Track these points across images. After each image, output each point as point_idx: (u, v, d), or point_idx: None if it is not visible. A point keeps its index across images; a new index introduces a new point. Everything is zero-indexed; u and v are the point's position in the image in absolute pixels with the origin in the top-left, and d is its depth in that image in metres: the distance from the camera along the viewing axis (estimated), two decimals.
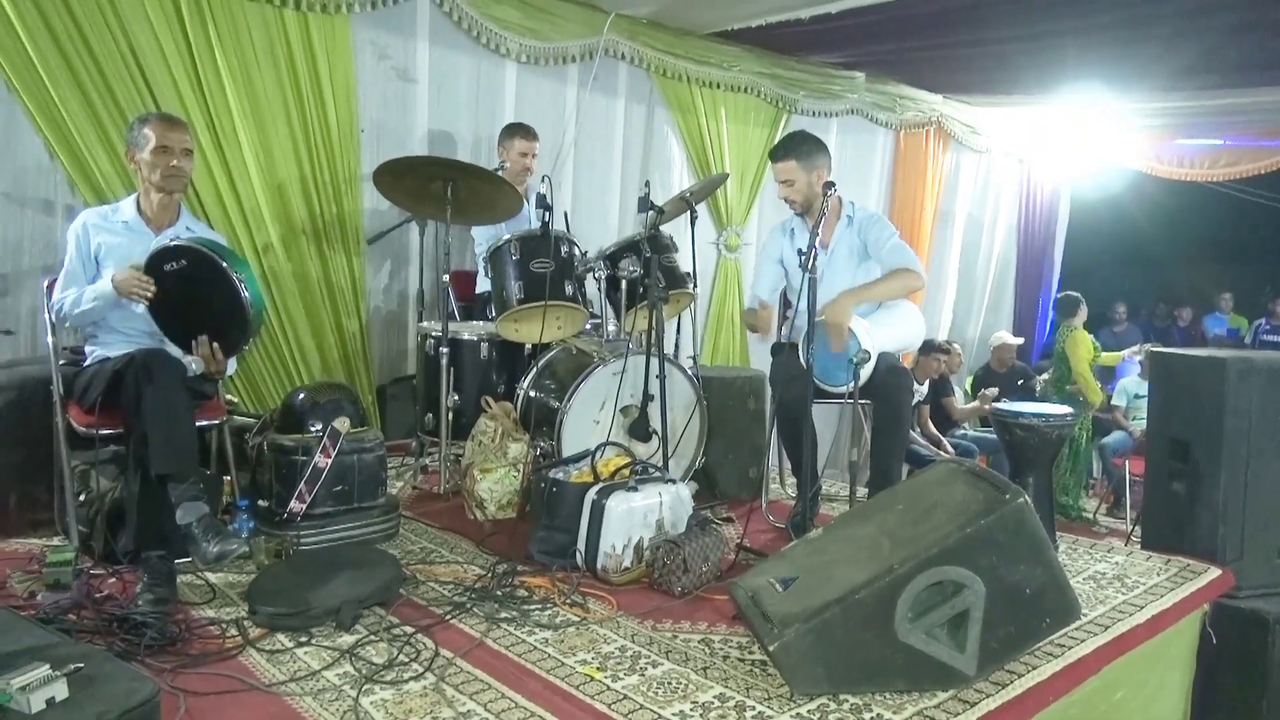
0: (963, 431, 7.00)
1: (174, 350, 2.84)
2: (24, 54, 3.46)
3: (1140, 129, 7.78)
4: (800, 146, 3.46)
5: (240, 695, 2.09)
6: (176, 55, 3.80)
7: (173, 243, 2.80)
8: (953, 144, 7.45)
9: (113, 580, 2.70)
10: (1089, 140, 8.08)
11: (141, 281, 2.75)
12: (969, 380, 8.08)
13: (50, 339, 3.00)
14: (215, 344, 2.80)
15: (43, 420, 3.08)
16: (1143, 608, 2.75)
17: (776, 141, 3.57)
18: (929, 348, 6.66)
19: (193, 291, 2.77)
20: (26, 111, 3.51)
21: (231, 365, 3.05)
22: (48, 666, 1.78)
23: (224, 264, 2.75)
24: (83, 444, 2.93)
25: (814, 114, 6.30)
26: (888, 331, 3.26)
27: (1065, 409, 3.40)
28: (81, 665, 1.84)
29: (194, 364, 2.86)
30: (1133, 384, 6.92)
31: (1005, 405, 3.47)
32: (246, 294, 2.76)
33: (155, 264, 2.77)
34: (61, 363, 3.01)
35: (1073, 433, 6.20)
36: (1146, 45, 5.24)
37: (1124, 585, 2.95)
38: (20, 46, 3.45)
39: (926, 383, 6.72)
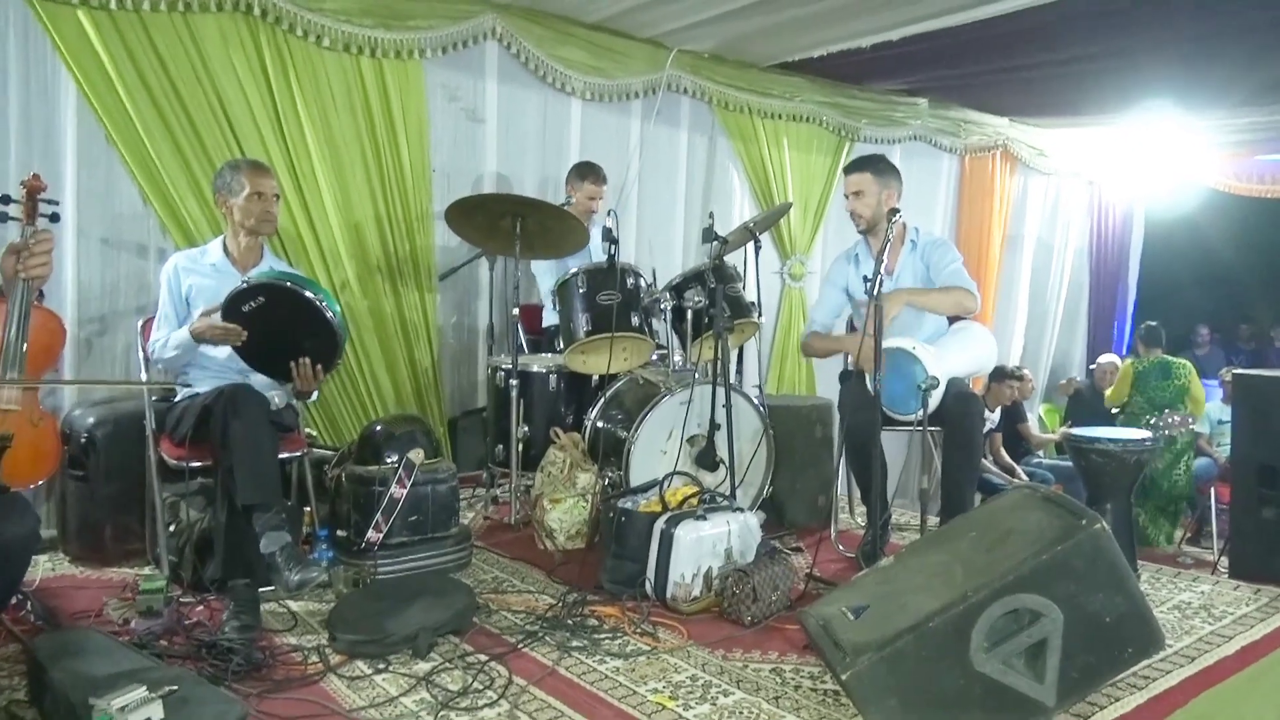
0: (1037, 460, 6.84)
1: (259, 381, 2.96)
2: (122, 109, 3.67)
3: (1216, 145, 7.57)
4: (877, 163, 3.54)
5: (322, 719, 2.16)
6: (260, 104, 3.99)
7: (244, 284, 2.88)
8: (1020, 167, 7.35)
9: (201, 608, 2.81)
10: (1161, 159, 7.90)
11: (230, 332, 2.85)
12: (1043, 407, 7.91)
13: (144, 376, 3.16)
14: (313, 364, 2.92)
15: (136, 454, 3.23)
16: (1231, 639, 2.66)
17: (851, 161, 3.63)
18: (1001, 374, 6.55)
19: (276, 323, 2.87)
20: (123, 161, 3.72)
21: (314, 394, 3.17)
22: (144, 688, 1.87)
23: (300, 290, 2.86)
24: (173, 476, 3.07)
25: (877, 141, 6.29)
26: (956, 357, 3.24)
27: (1144, 433, 3.31)
28: (175, 688, 1.93)
29: (277, 398, 2.99)
30: (1215, 409, 6.68)
31: (1081, 430, 3.39)
32: (329, 313, 2.87)
33: (234, 308, 2.85)
34: (154, 399, 3.16)
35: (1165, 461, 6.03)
36: (1224, 61, 5.12)
37: (1211, 615, 2.86)
38: (119, 102, 3.66)
39: (999, 410, 6.60)
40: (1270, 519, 3.13)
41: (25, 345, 2.04)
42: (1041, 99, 6.51)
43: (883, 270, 3.03)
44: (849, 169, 3.59)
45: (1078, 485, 3.45)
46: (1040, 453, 6.94)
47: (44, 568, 3.23)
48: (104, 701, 1.82)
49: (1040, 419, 7.86)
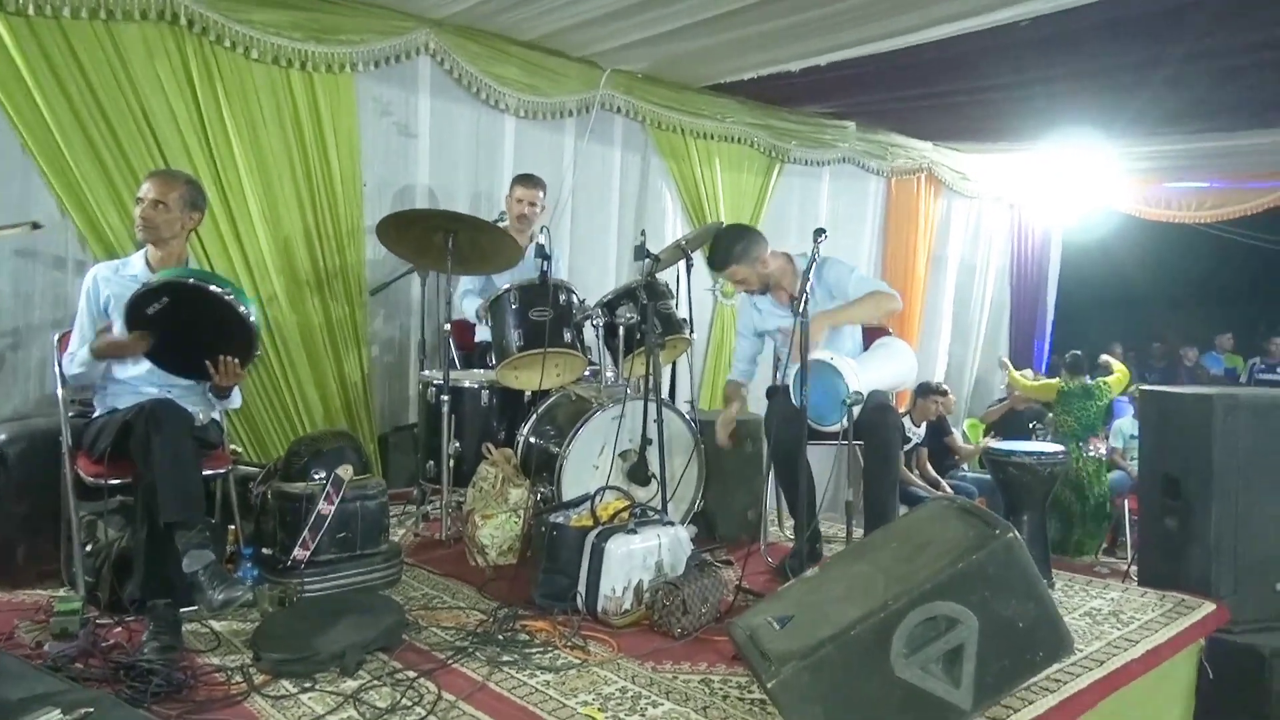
0: (962, 473, 7.03)
1: (181, 397, 2.90)
2: (39, 118, 3.58)
3: (1128, 172, 7.93)
4: (734, 248, 3.54)
5: None
6: (185, 115, 3.92)
7: (143, 287, 2.77)
8: (944, 190, 7.59)
9: (119, 629, 2.73)
10: (1078, 184, 8.24)
11: (133, 342, 2.76)
12: (967, 422, 8.13)
13: (60, 391, 3.07)
14: (232, 359, 2.85)
15: (50, 472, 3.12)
16: (1138, 643, 2.78)
17: (709, 252, 3.65)
18: (926, 390, 6.72)
19: (185, 322, 2.78)
20: (40, 171, 3.62)
21: (237, 398, 3.14)
22: (58, 712, 1.82)
23: (205, 285, 2.78)
24: (90, 494, 2.97)
25: (806, 162, 6.44)
26: (876, 371, 3.32)
27: (1058, 447, 3.45)
28: (91, 710, 1.88)
29: (201, 414, 2.93)
30: (1128, 424, 6.96)
31: (998, 444, 3.52)
32: (240, 307, 2.80)
33: (138, 313, 2.75)
34: (70, 414, 3.07)
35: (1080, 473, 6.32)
36: (1140, 91, 5.38)
37: (1119, 621, 2.98)
38: (35, 109, 3.57)
39: (924, 425, 6.77)
40: (1173, 528, 3.28)
41: None
42: (964, 124, 6.74)
43: (785, 312, 3.11)
44: (716, 265, 3.65)
45: (1000, 498, 3.57)
46: (965, 466, 7.14)
47: None
48: None
49: (964, 434, 8.08)
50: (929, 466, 6.77)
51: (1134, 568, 3.86)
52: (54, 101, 3.61)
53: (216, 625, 2.80)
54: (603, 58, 5.19)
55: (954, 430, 7.36)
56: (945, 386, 7.25)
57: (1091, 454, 6.46)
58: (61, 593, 3.04)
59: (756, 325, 3.77)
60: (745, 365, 3.87)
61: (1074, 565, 4.83)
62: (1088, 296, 9.82)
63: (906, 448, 6.40)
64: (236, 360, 2.86)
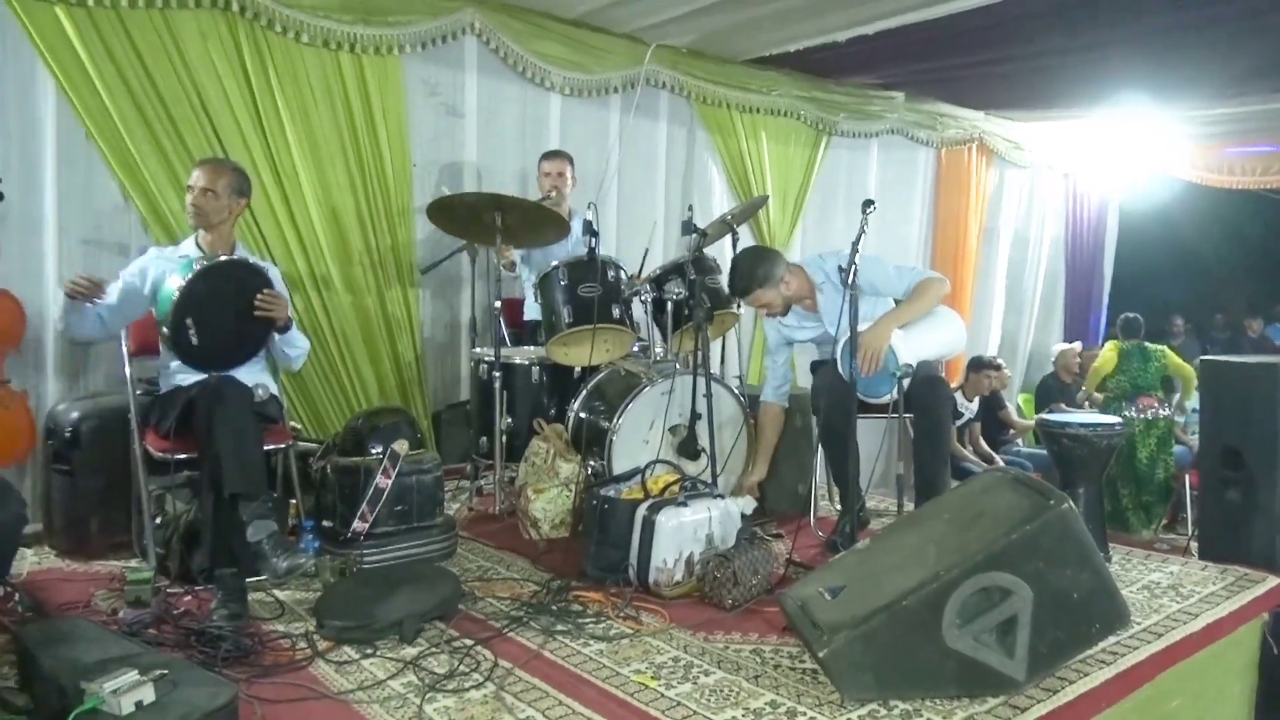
0: (1016, 448, 6.94)
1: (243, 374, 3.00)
2: (101, 106, 3.67)
3: (1187, 137, 7.70)
4: (756, 273, 3.42)
5: (311, 703, 2.20)
6: (240, 100, 4.00)
7: (169, 331, 2.89)
8: (996, 160, 7.45)
9: (188, 598, 2.84)
10: (1135, 151, 8.01)
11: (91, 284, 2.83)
12: (1021, 397, 8.01)
13: (127, 370, 3.18)
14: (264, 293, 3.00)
15: (120, 448, 3.25)
16: (1197, 616, 2.74)
17: (730, 280, 3.54)
18: (979, 364, 6.63)
19: (216, 312, 2.93)
20: (103, 158, 3.72)
21: (299, 337, 3.30)
22: (135, 672, 1.91)
23: (200, 273, 2.90)
24: (158, 469, 3.08)
25: (854, 135, 6.37)
26: (925, 339, 3.29)
27: (1114, 418, 3.39)
28: (166, 671, 1.96)
29: (261, 389, 3.02)
30: (1190, 399, 6.80)
31: (1053, 415, 3.47)
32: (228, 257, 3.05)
33: (189, 350, 2.90)
34: (138, 392, 3.18)
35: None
36: (1194, 54, 5.21)
37: (1179, 594, 2.94)
38: (98, 99, 3.66)
39: (977, 400, 6.68)
40: (1234, 500, 3.21)
41: None
42: (1017, 92, 6.59)
43: (815, 321, 3.08)
44: (739, 294, 3.51)
45: (1055, 474, 3.53)
46: (1019, 441, 7.04)
47: (30, 561, 3.24)
48: (95, 685, 1.85)
49: (1019, 407, 7.96)
50: (982, 441, 6.68)
51: (1194, 544, 3.79)
52: (114, 89, 3.70)
53: (280, 594, 2.89)
54: (647, 33, 5.17)
55: (1008, 404, 7.26)
56: (999, 361, 7.14)
57: (1139, 414, 6.26)
58: (133, 563, 3.17)
59: (788, 336, 3.70)
60: (780, 384, 3.75)
61: (1132, 540, 4.76)
62: (1146, 266, 9.55)
63: (959, 422, 6.33)
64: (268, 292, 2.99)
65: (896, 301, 3.43)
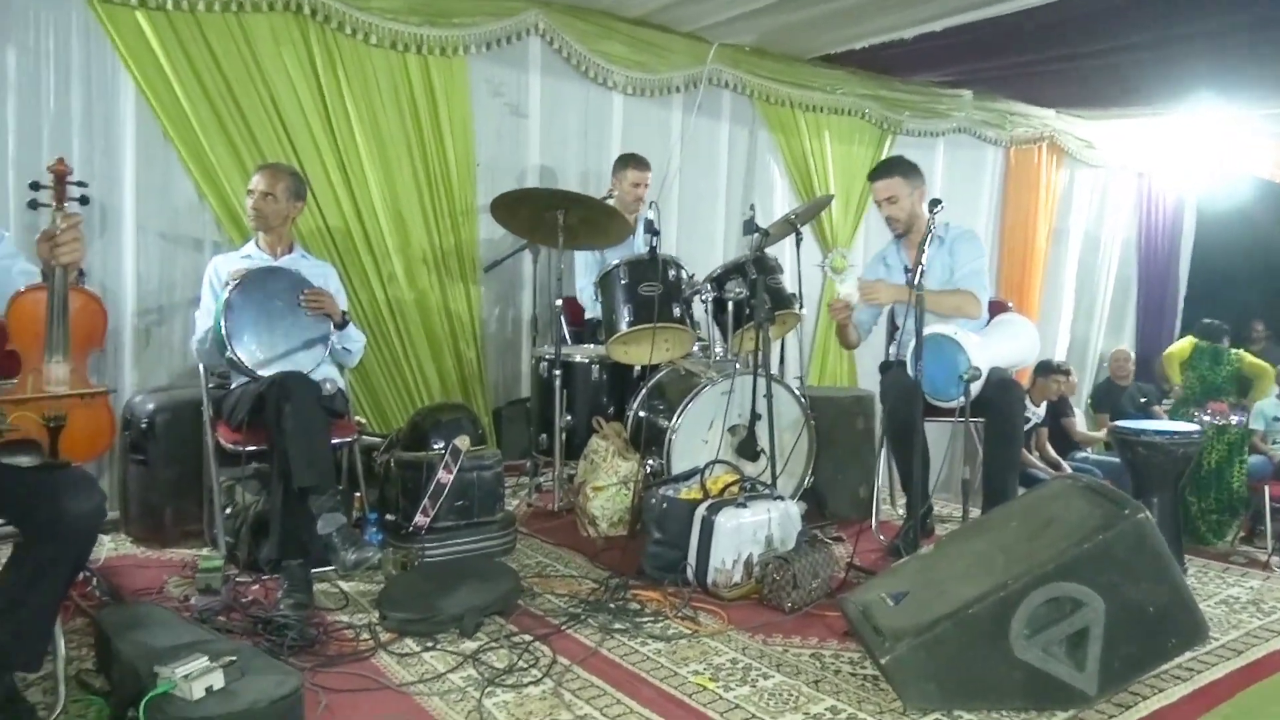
0: (1084, 454, 6.75)
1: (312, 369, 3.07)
2: (178, 107, 3.79)
3: (1268, 135, 7.40)
4: (902, 165, 3.53)
5: (374, 693, 2.23)
6: (310, 101, 4.08)
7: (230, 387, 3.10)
8: (1067, 159, 7.24)
9: (256, 586, 2.91)
10: (1213, 150, 7.72)
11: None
12: (1086, 402, 7.80)
13: (201, 363, 3.27)
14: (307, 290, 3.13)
15: (194, 439, 3.35)
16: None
17: (874, 166, 3.61)
18: (1047, 369, 6.47)
19: (270, 315, 3.06)
20: (180, 157, 3.84)
21: (357, 334, 3.43)
22: (206, 658, 1.95)
23: (240, 284, 3.03)
24: (229, 461, 3.17)
25: (919, 134, 6.25)
26: (998, 347, 3.23)
27: (1191, 426, 3.27)
28: (235, 658, 2.00)
29: (328, 384, 3.08)
30: (1270, 405, 6.53)
31: (1127, 423, 3.36)
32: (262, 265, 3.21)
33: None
34: (210, 385, 3.27)
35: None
36: (1272, 50, 5.00)
37: (1260, 610, 2.83)
38: (175, 100, 3.78)
39: (1044, 405, 6.52)
40: None
41: (67, 330, 2.11)
42: (1089, 90, 6.40)
43: (912, 265, 3.05)
44: (874, 176, 3.58)
45: (1125, 482, 3.42)
46: (1089, 449, 6.84)
47: (107, 548, 3.36)
48: (168, 670, 1.90)
49: (1088, 412, 7.75)
50: (1049, 447, 6.52)
51: (1275, 557, 3.65)
52: (190, 91, 3.81)
53: (344, 586, 2.95)
54: (710, 32, 5.14)
55: (1075, 411, 7.06)
56: (1068, 366, 6.97)
57: (1209, 418, 6.02)
58: (204, 552, 3.25)
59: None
60: (867, 321, 3.76)
61: (1206, 552, 4.59)
62: (1225, 269, 9.18)
63: (1025, 427, 6.18)
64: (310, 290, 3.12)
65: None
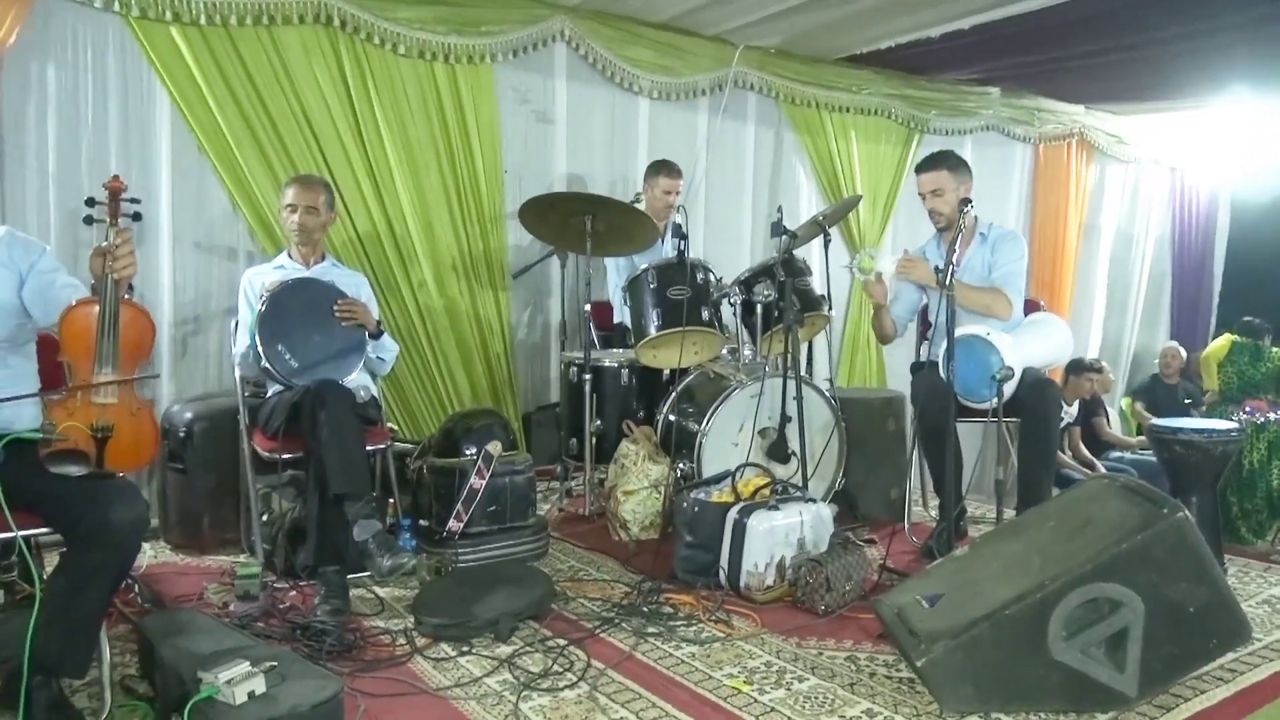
0: (1119, 454, 6.66)
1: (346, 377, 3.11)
2: (212, 120, 3.85)
3: None
4: (949, 158, 3.52)
5: (411, 698, 2.26)
6: (340, 111, 4.13)
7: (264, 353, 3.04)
8: (1097, 155, 7.17)
9: (293, 593, 2.95)
10: (1248, 143, 7.59)
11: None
12: (1124, 401, 7.70)
13: (237, 373, 3.31)
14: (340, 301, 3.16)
15: (230, 447, 3.40)
16: None
17: (922, 158, 3.59)
18: (1081, 367, 6.39)
19: (306, 327, 3.09)
20: (214, 169, 3.90)
21: (391, 343, 3.46)
22: (247, 663, 1.99)
23: (271, 301, 3.06)
24: (266, 468, 3.21)
25: (946, 132, 6.21)
26: (1032, 347, 3.21)
27: (1230, 424, 3.22)
28: (275, 664, 2.04)
29: (362, 391, 3.11)
30: None
31: (1163, 421, 3.32)
32: (293, 278, 3.21)
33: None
34: (246, 394, 3.31)
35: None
36: None
37: None
38: (209, 113, 3.84)
39: (1076, 404, 6.45)
40: None
41: (117, 342, 2.16)
42: (1119, 85, 6.32)
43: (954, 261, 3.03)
44: (921, 168, 3.56)
45: (1163, 482, 3.38)
46: (1123, 449, 6.76)
47: (148, 555, 3.41)
48: (211, 675, 1.94)
49: (1121, 411, 7.65)
50: (1083, 446, 6.45)
51: None
52: (224, 103, 3.87)
53: (380, 591, 2.98)
54: (735, 35, 5.14)
55: (1109, 409, 6.98)
56: (1102, 363, 6.88)
57: (1248, 415, 5.92)
58: (242, 558, 3.30)
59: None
60: (904, 315, 3.78)
61: (1246, 551, 4.52)
62: (1261, 264, 9.02)
63: (1059, 426, 6.12)
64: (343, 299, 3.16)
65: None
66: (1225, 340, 6.48)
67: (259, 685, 1.95)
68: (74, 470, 1.98)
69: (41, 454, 1.98)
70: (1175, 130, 7.41)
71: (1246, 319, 6.60)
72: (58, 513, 2.00)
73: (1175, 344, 7.31)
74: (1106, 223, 7.44)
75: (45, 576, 2.53)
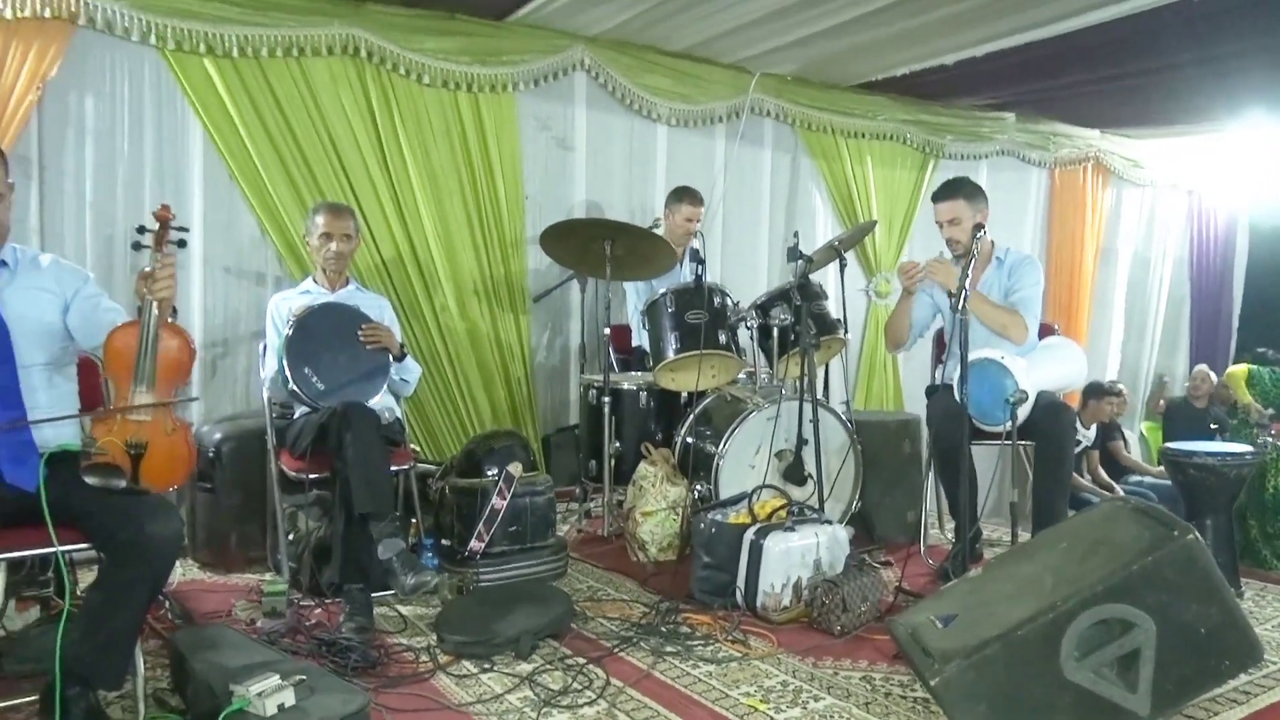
0: (1138, 479, 6.65)
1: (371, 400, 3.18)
2: (243, 148, 3.98)
3: None
4: (965, 186, 3.56)
5: (434, 713, 2.31)
6: (366, 139, 4.25)
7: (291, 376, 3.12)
8: (1113, 179, 7.20)
9: (319, 610, 3.01)
10: (1266, 166, 7.60)
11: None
12: (1144, 425, 7.68)
13: (265, 394, 3.40)
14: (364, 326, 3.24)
15: (257, 467, 3.48)
16: None
17: (938, 186, 3.64)
18: (1101, 391, 6.41)
19: (333, 351, 3.18)
20: (244, 196, 4.02)
21: (414, 365, 3.55)
22: (277, 677, 2.05)
23: (299, 325, 3.14)
24: (292, 488, 3.29)
25: (962, 157, 6.27)
26: (1046, 370, 3.24)
27: (1245, 447, 3.24)
28: (304, 677, 2.10)
29: (387, 413, 3.19)
30: None
31: (1177, 445, 3.34)
32: (320, 301, 3.32)
33: (305, 385, 3.13)
34: (274, 415, 3.40)
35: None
36: None
37: None
38: (240, 142, 3.97)
39: (1094, 427, 6.45)
40: None
41: (155, 362, 2.25)
42: (1135, 109, 6.37)
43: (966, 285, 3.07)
44: (938, 197, 3.59)
45: (1180, 505, 3.39)
46: (1142, 473, 6.75)
47: (177, 573, 3.49)
48: (243, 688, 2.00)
49: (1142, 435, 7.63)
50: (1101, 470, 6.44)
51: None
52: (254, 132, 4.00)
53: (403, 609, 3.04)
54: (751, 62, 5.24)
55: (1127, 433, 6.97)
56: (1120, 386, 6.89)
57: (1272, 438, 5.92)
58: (268, 577, 3.35)
59: (938, 295, 3.69)
60: (918, 326, 3.79)
61: (1268, 576, 4.51)
62: None
63: (1075, 450, 6.12)
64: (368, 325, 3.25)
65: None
66: (1244, 368, 6.50)
67: (289, 698, 2.01)
68: (112, 482, 2.05)
69: (81, 466, 2.06)
70: (1192, 154, 7.43)
71: (1261, 350, 6.62)
72: (96, 527, 2.07)
73: (1205, 367, 7.29)
74: (1124, 246, 7.46)
75: (78, 591, 2.65)
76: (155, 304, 2.21)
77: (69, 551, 2.09)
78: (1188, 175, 7.66)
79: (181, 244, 2.44)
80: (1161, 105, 6.18)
